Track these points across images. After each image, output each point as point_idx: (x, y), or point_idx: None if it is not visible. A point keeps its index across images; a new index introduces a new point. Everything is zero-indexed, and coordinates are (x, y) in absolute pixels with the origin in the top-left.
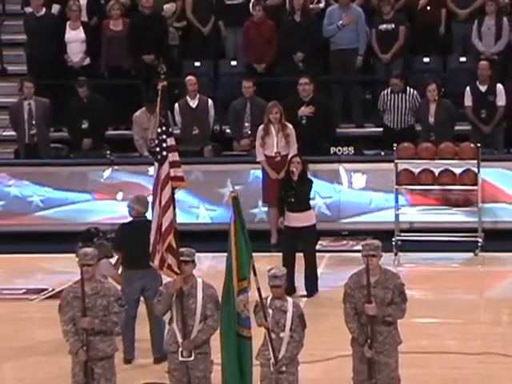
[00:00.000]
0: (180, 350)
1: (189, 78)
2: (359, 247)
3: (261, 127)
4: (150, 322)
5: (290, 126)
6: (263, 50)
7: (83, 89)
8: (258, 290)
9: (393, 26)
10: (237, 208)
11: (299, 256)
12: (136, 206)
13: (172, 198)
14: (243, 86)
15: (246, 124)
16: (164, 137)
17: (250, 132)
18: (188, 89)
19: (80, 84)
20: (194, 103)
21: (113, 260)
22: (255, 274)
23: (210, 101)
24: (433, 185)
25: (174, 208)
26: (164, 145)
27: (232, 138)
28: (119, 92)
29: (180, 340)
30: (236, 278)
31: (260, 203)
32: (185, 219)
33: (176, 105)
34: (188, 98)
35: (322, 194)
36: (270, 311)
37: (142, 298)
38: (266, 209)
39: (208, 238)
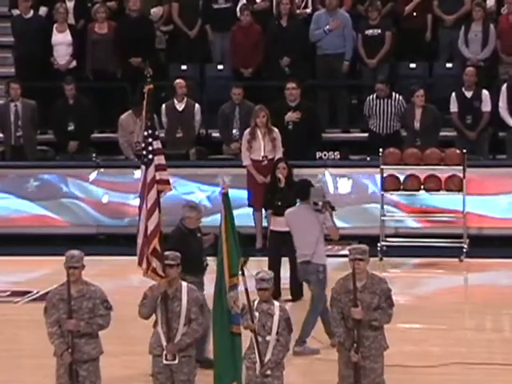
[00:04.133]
0: (164, 353)
1: (178, 81)
2: (344, 252)
3: (247, 131)
4: None
5: (276, 129)
6: (250, 55)
7: (70, 86)
8: (246, 290)
9: (379, 31)
10: (227, 204)
11: (284, 260)
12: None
13: (157, 202)
14: (233, 93)
15: (235, 128)
16: (150, 140)
17: (238, 136)
18: (177, 92)
19: (67, 81)
20: (180, 106)
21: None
22: (243, 274)
23: (197, 105)
24: (418, 190)
25: (160, 211)
26: (150, 148)
27: (219, 142)
28: (105, 95)
29: (164, 343)
30: (227, 274)
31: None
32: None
33: (163, 106)
34: (175, 100)
35: None
36: (257, 314)
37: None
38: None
39: None
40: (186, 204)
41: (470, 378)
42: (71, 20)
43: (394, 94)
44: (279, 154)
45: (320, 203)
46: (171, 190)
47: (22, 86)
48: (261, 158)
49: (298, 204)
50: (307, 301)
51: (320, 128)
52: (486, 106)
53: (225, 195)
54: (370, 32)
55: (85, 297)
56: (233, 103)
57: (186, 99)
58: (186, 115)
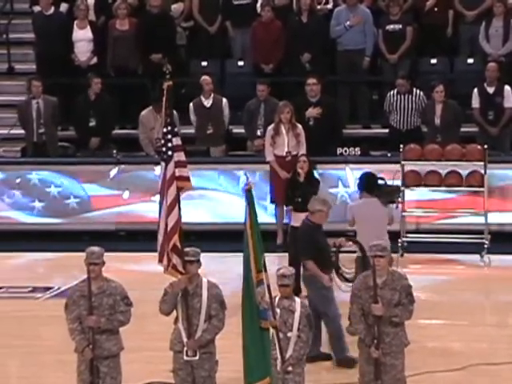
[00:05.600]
0: (185, 349)
1: (204, 77)
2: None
3: (271, 127)
4: None
5: (299, 125)
6: (271, 51)
7: (97, 80)
8: (268, 287)
9: (400, 26)
10: (251, 201)
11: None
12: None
13: (177, 198)
14: (257, 90)
15: (260, 124)
16: (169, 136)
17: (262, 133)
18: (203, 89)
19: (94, 76)
20: (208, 103)
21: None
22: (265, 270)
23: (224, 100)
24: (439, 186)
25: (180, 208)
26: (170, 144)
27: (240, 138)
28: (126, 91)
29: (185, 339)
30: (254, 270)
31: (265, 204)
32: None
33: (191, 104)
34: (202, 97)
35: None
36: (278, 310)
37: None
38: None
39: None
40: (317, 198)
41: (491, 373)
42: (92, 16)
43: (414, 89)
44: (303, 150)
45: (396, 200)
46: (191, 187)
47: (44, 82)
48: (284, 154)
49: (362, 198)
50: None
51: (340, 124)
52: (508, 102)
53: (248, 191)
54: (390, 27)
55: (105, 293)
56: (258, 100)
57: (212, 95)
58: (214, 111)
